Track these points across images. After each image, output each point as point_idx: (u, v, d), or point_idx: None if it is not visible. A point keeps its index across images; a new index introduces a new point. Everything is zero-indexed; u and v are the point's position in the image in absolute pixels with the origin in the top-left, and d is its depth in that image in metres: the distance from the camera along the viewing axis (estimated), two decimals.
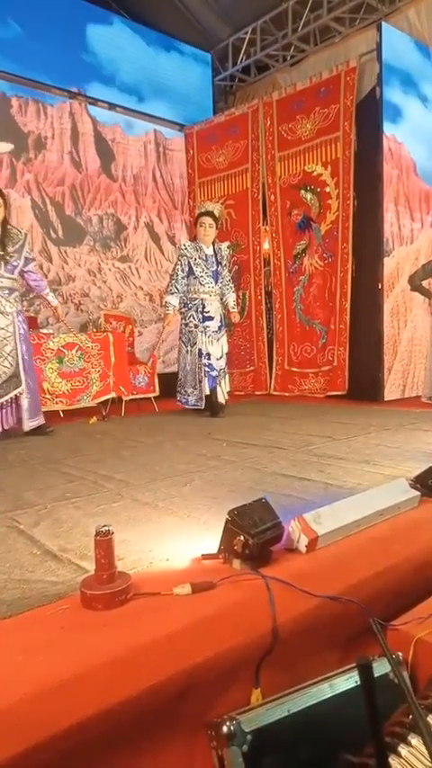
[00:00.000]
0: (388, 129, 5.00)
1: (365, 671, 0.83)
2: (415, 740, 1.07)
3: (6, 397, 3.65)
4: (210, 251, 4.58)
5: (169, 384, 5.11)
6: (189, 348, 4.58)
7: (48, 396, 4.19)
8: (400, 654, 1.28)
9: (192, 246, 4.56)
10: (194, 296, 4.53)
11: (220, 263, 4.63)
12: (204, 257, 4.54)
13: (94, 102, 6.03)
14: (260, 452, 3.00)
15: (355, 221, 5.25)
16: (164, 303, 4.74)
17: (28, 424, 3.73)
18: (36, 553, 1.65)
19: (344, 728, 1.12)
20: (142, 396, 5.04)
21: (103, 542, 1.29)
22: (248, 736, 1.07)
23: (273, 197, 5.90)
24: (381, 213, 5.03)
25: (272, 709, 1.13)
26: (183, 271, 4.51)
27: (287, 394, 5.81)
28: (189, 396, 4.61)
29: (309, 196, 5.60)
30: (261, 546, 1.44)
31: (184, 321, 4.63)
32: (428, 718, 1.09)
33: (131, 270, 6.39)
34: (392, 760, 1.04)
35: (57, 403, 4.28)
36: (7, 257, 3.62)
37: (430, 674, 1.26)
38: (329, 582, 1.41)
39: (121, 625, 1.20)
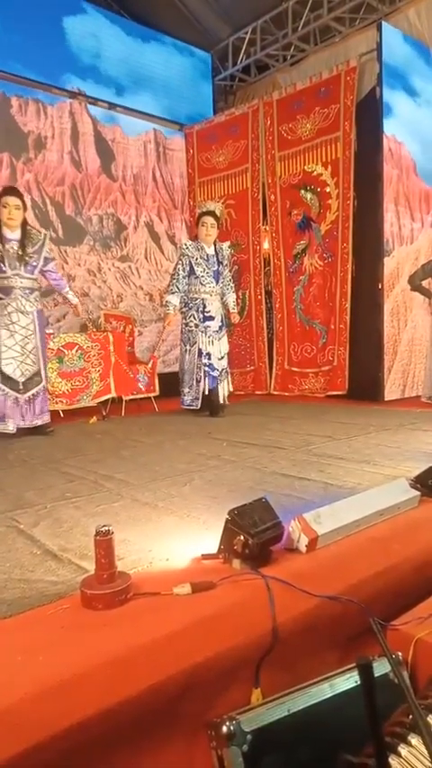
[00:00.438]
0: (388, 128, 5.00)
1: (365, 671, 0.83)
2: (415, 740, 1.07)
3: (29, 393, 3.73)
4: (211, 251, 4.58)
5: (169, 384, 5.12)
6: (189, 348, 4.57)
7: (48, 395, 4.19)
8: (399, 654, 1.28)
9: (193, 246, 4.56)
10: (195, 296, 4.53)
11: (222, 262, 4.63)
12: (206, 257, 4.54)
13: (94, 101, 6.03)
14: (260, 452, 3.00)
15: (356, 221, 5.24)
16: (164, 302, 4.74)
17: (39, 420, 3.81)
18: (36, 553, 1.65)
19: (344, 728, 1.12)
20: (142, 396, 5.04)
21: (103, 542, 1.29)
22: (248, 736, 1.07)
23: (273, 197, 5.90)
24: (381, 213, 5.03)
25: (272, 709, 1.13)
26: (184, 270, 4.51)
27: (287, 394, 5.81)
28: (185, 395, 4.61)
29: (309, 196, 5.60)
30: (261, 546, 1.44)
31: (184, 321, 4.63)
32: (428, 718, 1.09)
33: (131, 269, 6.38)
34: (392, 760, 1.04)
35: (57, 403, 4.28)
36: (27, 258, 3.72)
37: (430, 673, 1.26)
38: (329, 582, 1.41)
39: (121, 625, 1.20)
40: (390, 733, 1.09)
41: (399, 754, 1.06)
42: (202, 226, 4.54)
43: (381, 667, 1.21)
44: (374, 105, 4.99)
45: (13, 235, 3.72)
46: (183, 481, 2.42)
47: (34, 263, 3.76)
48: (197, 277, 4.50)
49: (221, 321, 4.64)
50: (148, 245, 6.49)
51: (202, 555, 1.53)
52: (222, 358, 4.63)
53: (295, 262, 5.79)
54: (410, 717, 1.08)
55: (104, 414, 4.53)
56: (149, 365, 5.18)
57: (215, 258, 4.59)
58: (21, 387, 3.71)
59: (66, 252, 5.87)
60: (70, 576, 1.46)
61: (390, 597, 1.50)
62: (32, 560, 1.60)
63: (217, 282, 4.57)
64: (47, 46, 5.59)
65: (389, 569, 1.54)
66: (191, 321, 4.56)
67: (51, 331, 4.64)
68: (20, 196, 3.76)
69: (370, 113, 5.05)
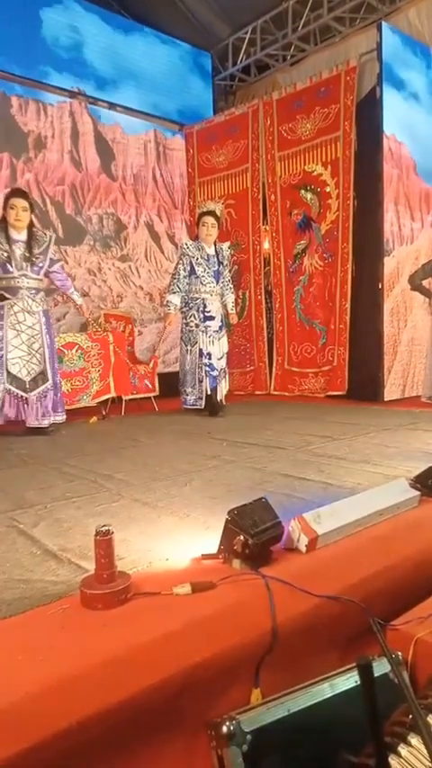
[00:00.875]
0: (388, 128, 5.00)
1: (365, 671, 0.83)
2: (415, 740, 1.07)
3: (36, 392, 3.74)
4: (211, 251, 4.58)
5: (169, 384, 5.12)
6: (189, 348, 4.58)
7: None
8: (399, 653, 1.28)
9: (194, 246, 4.56)
10: (196, 295, 4.53)
11: (222, 263, 4.63)
12: (206, 257, 4.54)
13: (95, 101, 6.03)
14: (260, 452, 3.00)
15: (356, 221, 5.24)
16: (165, 302, 4.74)
17: (56, 418, 3.85)
18: (36, 553, 1.65)
19: (344, 728, 1.12)
20: (142, 395, 5.04)
21: (103, 542, 1.29)
22: (248, 736, 1.07)
23: (273, 197, 5.90)
24: (381, 213, 5.03)
25: (272, 709, 1.13)
26: (185, 270, 4.51)
27: (287, 394, 5.81)
28: (188, 395, 4.62)
29: (309, 196, 5.60)
30: (261, 546, 1.44)
31: (184, 321, 4.63)
32: (428, 718, 1.09)
33: (131, 269, 6.38)
34: (392, 760, 1.04)
35: None
36: (33, 259, 3.76)
37: (430, 673, 1.26)
38: (329, 582, 1.41)
39: (121, 625, 1.20)
40: (390, 733, 1.09)
41: (399, 754, 1.06)
42: (203, 226, 4.54)
43: (381, 667, 1.21)
44: (374, 105, 4.99)
45: (20, 236, 3.75)
46: (183, 481, 2.42)
47: (40, 264, 3.80)
48: (198, 277, 4.50)
49: (221, 321, 4.64)
50: (148, 245, 6.49)
51: (202, 555, 1.53)
52: (222, 358, 4.63)
53: (295, 262, 5.79)
54: (410, 716, 1.08)
55: (104, 413, 4.53)
56: (150, 365, 5.18)
57: (215, 258, 4.59)
58: (27, 386, 3.73)
59: (66, 251, 5.87)
60: (70, 576, 1.46)
61: (389, 597, 1.50)
62: (32, 560, 1.60)
63: (217, 282, 4.57)
64: (39, 40, 5.59)
65: (389, 569, 1.54)
66: (191, 321, 4.56)
67: None
68: (27, 198, 3.81)
69: (370, 113, 5.05)
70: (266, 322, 6.17)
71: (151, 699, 1.06)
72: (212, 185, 6.42)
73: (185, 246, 4.59)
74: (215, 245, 4.61)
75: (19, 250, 3.72)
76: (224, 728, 1.06)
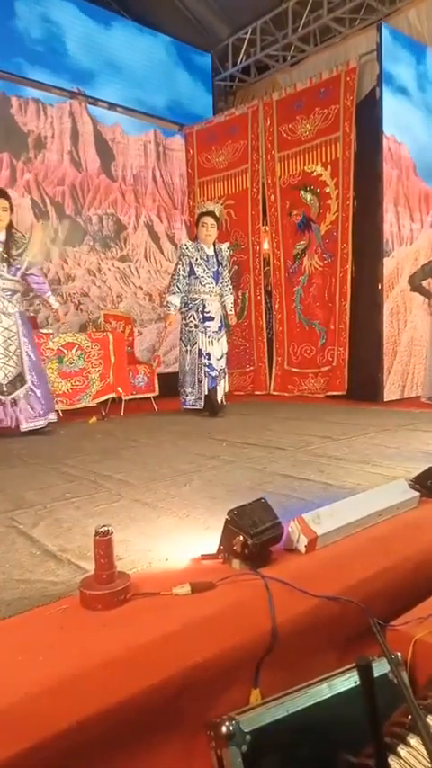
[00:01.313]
0: (388, 129, 5.00)
1: (365, 671, 0.83)
2: (414, 740, 1.07)
3: (12, 396, 3.70)
4: (211, 251, 4.58)
5: (169, 384, 5.12)
6: (189, 348, 4.58)
7: (50, 396, 4.19)
8: (399, 654, 1.28)
9: (193, 246, 4.56)
10: (195, 296, 4.53)
11: (221, 263, 4.63)
12: (206, 257, 4.55)
13: (94, 101, 6.03)
14: (260, 452, 3.00)
15: (355, 222, 5.25)
16: (165, 303, 4.75)
17: (43, 419, 3.81)
18: (36, 553, 1.65)
19: (343, 729, 1.12)
20: (142, 396, 5.05)
21: (103, 542, 1.29)
22: (247, 737, 1.07)
23: (272, 197, 5.91)
24: (381, 214, 5.03)
25: (271, 710, 1.13)
26: (184, 270, 4.51)
27: (287, 394, 5.82)
28: (188, 395, 4.62)
29: (308, 196, 5.60)
30: (260, 546, 1.44)
31: (184, 321, 4.63)
32: (428, 719, 1.09)
33: (131, 269, 6.39)
34: (392, 760, 1.04)
35: (57, 403, 4.28)
36: (11, 260, 3.70)
37: (429, 674, 1.26)
38: (329, 582, 1.41)
39: (121, 625, 1.20)
40: (389, 733, 1.09)
41: (398, 755, 1.06)
42: (202, 226, 4.54)
43: (380, 667, 1.21)
44: (374, 106, 5.00)
45: None
46: (182, 481, 2.42)
47: (18, 266, 3.73)
48: (197, 277, 4.51)
49: (221, 321, 4.64)
50: (147, 246, 6.49)
51: (202, 555, 1.53)
52: (221, 358, 4.63)
53: (295, 262, 5.79)
54: (410, 717, 1.08)
55: (104, 414, 4.53)
56: (155, 365, 5.19)
57: (215, 259, 4.59)
58: (4, 389, 3.69)
59: (66, 252, 5.87)
60: (70, 577, 1.46)
61: (389, 597, 1.50)
62: (32, 560, 1.59)
63: (217, 283, 4.57)
64: (53, 46, 5.59)
65: (388, 570, 1.54)
66: (191, 321, 4.56)
67: (51, 331, 4.64)
68: (8, 198, 3.73)
69: (370, 114, 5.05)
70: (266, 322, 6.17)
71: (151, 699, 1.06)
72: (212, 186, 6.42)
73: (185, 247, 4.59)
74: (214, 246, 4.61)
75: None
76: (223, 729, 1.06)
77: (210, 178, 6.44)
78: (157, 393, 5.14)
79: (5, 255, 3.67)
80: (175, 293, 4.52)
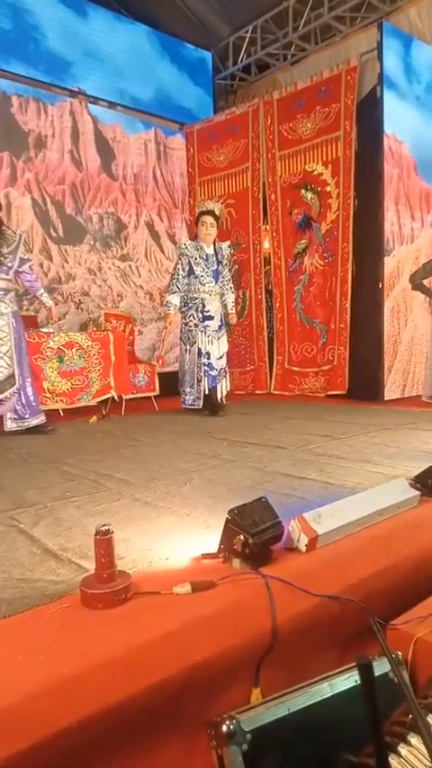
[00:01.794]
0: (388, 127, 4.99)
1: (365, 670, 0.83)
2: (415, 740, 1.06)
3: (3, 395, 3.69)
4: (210, 250, 4.58)
5: (169, 383, 5.12)
6: (188, 347, 4.57)
7: (48, 395, 4.19)
8: (399, 653, 1.28)
9: (192, 246, 4.56)
10: (195, 295, 4.52)
11: (221, 262, 4.63)
12: (205, 257, 4.54)
13: (95, 100, 6.02)
14: (260, 451, 3.00)
15: (356, 221, 5.24)
16: (165, 302, 4.74)
17: (31, 422, 3.79)
18: (36, 552, 1.65)
19: (344, 728, 1.12)
20: (142, 395, 5.05)
21: (103, 541, 1.29)
22: (248, 736, 1.07)
23: (273, 196, 5.90)
24: (381, 212, 5.02)
25: (271, 709, 1.13)
26: (183, 270, 4.50)
27: (287, 393, 5.81)
28: (187, 395, 4.62)
29: (309, 195, 5.60)
30: (261, 545, 1.44)
31: (184, 320, 4.63)
32: (428, 718, 1.09)
33: (132, 269, 6.38)
34: (392, 759, 1.04)
35: (57, 402, 4.28)
36: (2, 258, 3.65)
37: (430, 673, 1.26)
38: (329, 581, 1.41)
39: (121, 624, 1.20)
40: (390, 732, 1.09)
41: (399, 754, 1.06)
42: (202, 225, 4.53)
43: (381, 667, 1.20)
44: (375, 104, 4.99)
45: None
46: (183, 480, 2.42)
47: (9, 264, 3.69)
48: (196, 277, 4.50)
49: (221, 321, 4.63)
50: (148, 245, 6.49)
51: (202, 554, 1.53)
52: (221, 357, 4.63)
53: (296, 261, 5.79)
54: (410, 716, 1.08)
55: (104, 413, 4.53)
56: (158, 365, 5.19)
57: (214, 258, 4.58)
58: None
59: (66, 251, 5.87)
60: (70, 576, 1.46)
61: (390, 596, 1.50)
62: (32, 560, 1.60)
63: (216, 282, 4.57)
64: (45, 44, 5.59)
65: (389, 569, 1.54)
66: (190, 321, 4.56)
67: (51, 330, 4.63)
68: None
69: (370, 112, 5.04)
70: (267, 321, 6.17)
71: (151, 698, 1.06)
72: (213, 184, 6.42)
73: (184, 246, 4.59)
74: (214, 245, 4.60)
75: None
76: (224, 728, 1.06)
77: (210, 177, 6.43)
78: (157, 392, 5.14)
79: None
80: (174, 293, 4.52)
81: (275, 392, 5.94)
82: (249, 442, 3.28)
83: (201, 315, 4.52)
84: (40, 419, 3.84)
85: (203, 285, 4.51)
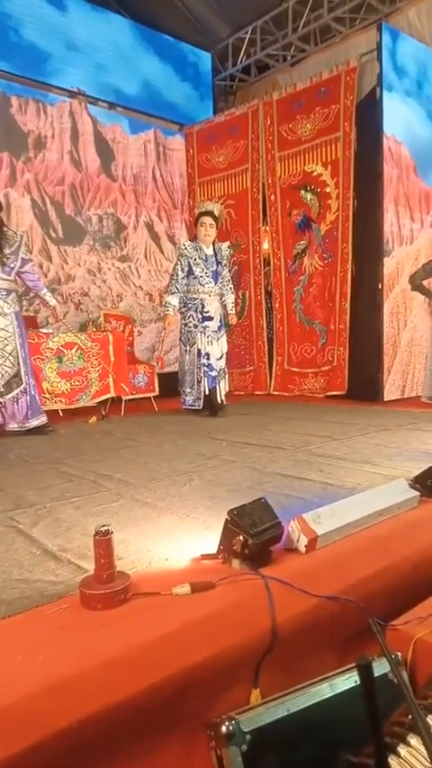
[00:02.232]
0: (388, 128, 5.00)
1: (365, 671, 0.83)
2: (414, 740, 1.06)
3: (9, 396, 3.70)
4: (210, 251, 4.58)
5: (169, 384, 5.12)
6: (188, 348, 4.57)
7: (47, 395, 4.19)
8: (399, 654, 1.28)
9: (191, 246, 4.55)
10: (194, 296, 4.52)
11: (220, 263, 4.63)
12: (204, 257, 4.54)
13: (95, 101, 6.03)
14: (260, 452, 3.00)
15: (355, 221, 5.25)
16: (164, 303, 4.74)
17: (32, 423, 3.79)
18: (35, 553, 1.65)
19: (343, 728, 1.12)
20: (142, 395, 5.04)
21: (103, 542, 1.29)
22: (247, 736, 1.07)
23: (273, 197, 5.90)
24: (381, 213, 5.03)
25: (271, 709, 1.13)
26: (183, 270, 4.50)
27: (287, 394, 5.81)
28: (187, 395, 4.61)
29: (309, 196, 5.60)
30: (260, 546, 1.44)
31: (183, 321, 4.63)
32: (428, 719, 1.09)
33: (131, 269, 6.39)
34: (392, 760, 1.04)
35: (56, 402, 4.28)
36: (4, 259, 3.66)
37: (429, 673, 1.26)
38: (329, 582, 1.41)
39: (121, 625, 1.20)
40: (389, 733, 1.09)
41: (398, 755, 1.06)
42: (201, 226, 4.53)
43: (380, 667, 1.20)
44: (374, 105, 5.00)
45: None
46: (182, 481, 2.42)
47: (11, 265, 3.70)
48: (196, 277, 4.50)
49: (220, 321, 4.63)
50: (147, 245, 6.49)
51: (202, 555, 1.53)
52: (221, 358, 4.63)
53: (295, 262, 5.79)
54: (410, 717, 1.08)
55: (104, 413, 4.53)
56: (158, 367, 5.18)
57: (214, 258, 4.58)
58: (1, 389, 3.67)
59: (65, 252, 5.87)
60: (70, 576, 1.46)
61: (389, 597, 1.50)
62: (32, 560, 1.59)
63: (215, 282, 4.57)
64: (44, 50, 5.60)
65: (388, 569, 1.54)
66: (190, 321, 4.55)
67: (51, 330, 4.63)
68: None
69: (370, 113, 5.05)
70: (266, 322, 6.17)
71: (151, 699, 1.06)
72: (212, 185, 6.42)
73: (183, 247, 4.59)
74: (214, 245, 4.60)
75: None
76: (223, 728, 1.06)
77: (210, 178, 6.44)
78: (156, 393, 5.14)
79: None
80: (173, 294, 4.52)
81: (275, 393, 5.94)
82: (249, 442, 3.28)
83: (200, 315, 4.52)
84: (42, 420, 3.84)
85: (203, 286, 4.52)
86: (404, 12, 5.52)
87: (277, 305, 5.97)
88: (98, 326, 5.39)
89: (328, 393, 5.46)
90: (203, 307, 4.53)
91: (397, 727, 1.10)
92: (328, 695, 1.19)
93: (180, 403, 4.69)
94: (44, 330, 4.66)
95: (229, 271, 4.90)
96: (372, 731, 0.86)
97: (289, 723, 1.13)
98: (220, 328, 4.62)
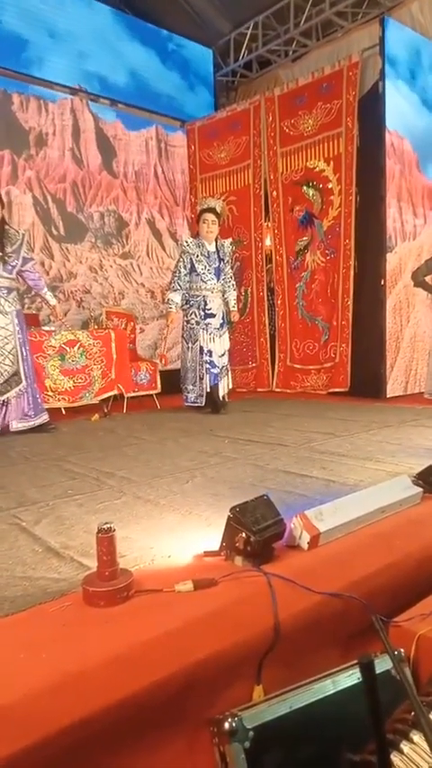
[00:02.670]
0: (390, 124, 4.97)
1: (367, 668, 0.83)
2: (417, 737, 1.07)
3: (8, 395, 3.69)
4: (212, 248, 4.57)
5: (171, 381, 5.12)
6: (190, 345, 4.57)
7: (50, 393, 4.20)
8: (402, 650, 1.28)
9: (194, 243, 4.55)
10: (196, 293, 4.52)
11: (223, 259, 4.62)
12: (206, 254, 4.53)
13: (96, 98, 6.01)
14: (262, 449, 3.00)
15: (358, 217, 5.23)
16: (166, 300, 4.74)
17: (33, 421, 3.78)
18: (38, 550, 1.65)
19: (346, 725, 1.12)
20: (144, 393, 5.05)
21: (105, 539, 1.29)
22: (250, 733, 1.07)
23: (275, 193, 5.89)
24: (383, 209, 5.00)
25: (274, 706, 1.13)
26: (185, 268, 4.50)
27: (289, 390, 5.81)
28: (189, 393, 4.61)
29: (311, 192, 5.58)
30: (263, 543, 1.44)
31: (185, 318, 4.62)
32: (430, 715, 1.09)
33: (133, 266, 6.38)
34: (394, 757, 1.04)
35: (59, 400, 4.28)
36: (6, 258, 3.66)
37: None
38: (331, 579, 1.41)
39: (123, 622, 1.20)
40: (392, 730, 1.09)
41: (401, 751, 1.06)
42: (203, 223, 4.52)
43: (383, 664, 1.20)
44: (377, 100, 4.97)
45: None
46: (185, 478, 2.42)
47: (13, 263, 3.69)
48: (198, 274, 4.49)
49: (223, 318, 4.62)
50: (149, 242, 6.49)
51: (204, 552, 1.53)
52: (223, 355, 4.62)
53: (297, 258, 5.78)
54: (412, 713, 1.08)
55: (106, 411, 4.53)
56: (162, 364, 5.18)
57: (216, 255, 4.57)
58: (0, 388, 3.67)
59: (67, 249, 5.87)
60: (72, 574, 1.46)
61: (392, 594, 1.50)
62: (34, 558, 1.60)
63: (218, 279, 4.56)
64: (57, 49, 5.58)
65: (391, 566, 1.54)
66: (192, 318, 4.55)
67: (53, 328, 4.64)
68: None
69: (372, 109, 5.02)
70: (268, 319, 6.16)
71: (153, 696, 1.06)
72: (214, 182, 6.40)
73: (185, 244, 4.58)
74: (216, 242, 4.59)
75: None
76: (226, 725, 1.06)
77: (212, 174, 6.42)
78: (159, 390, 5.14)
79: (0, 254, 3.63)
80: (175, 291, 4.51)
81: (277, 390, 5.93)
82: (251, 439, 3.28)
83: (202, 312, 4.51)
84: (44, 418, 3.84)
85: (205, 283, 4.51)
86: (407, 6, 5.49)
87: (279, 301, 5.96)
88: (100, 324, 5.39)
89: (331, 390, 5.45)
90: (206, 304, 4.52)
91: (399, 724, 1.10)
92: (331, 692, 1.19)
93: (182, 400, 4.69)
94: (46, 328, 4.66)
95: (232, 267, 4.89)
96: (374, 728, 0.86)
97: (291, 720, 1.13)
98: (222, 325, 4.62)
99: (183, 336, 4.67)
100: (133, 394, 4.86)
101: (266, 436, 3.37)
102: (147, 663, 1.08)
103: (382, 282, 5.07)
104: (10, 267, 3.69)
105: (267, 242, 6.10)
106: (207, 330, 4.51)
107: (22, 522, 1.92)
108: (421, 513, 1.87)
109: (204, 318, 4.51)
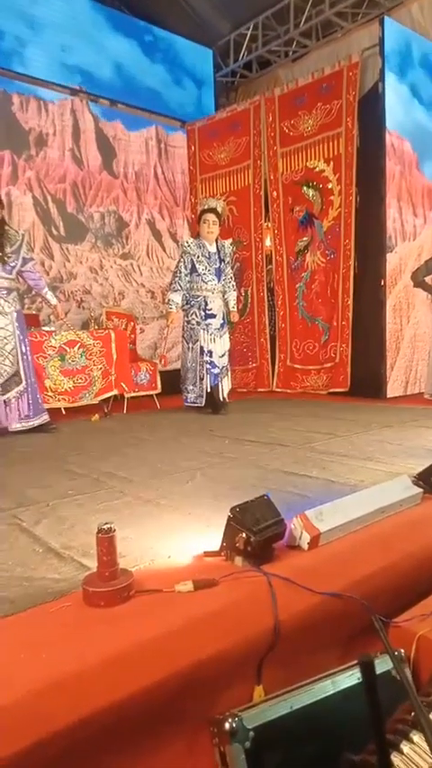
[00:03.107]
0: (390, 124, 4.97)
1: (367, 668, 0.83)
2: (417, 737, 1.07)
3: (8, 395, 3.69)
4: (213, 248, 4.57)
5: (171, 381, 5.12)
6: (191, 345, 4.57)
7: (50, 393, 4.20)
8: (402, 651, 1.28)
9: (195, 243, 4.55)
10: (197, 293, 4.52)
11: (223, 260, 4.62)
12: (207, 255, 4.53)
13: (96, 98, 6.01)
14: (262, 449, 3.00)
15: (358, 217, 5.23)
16: (167, 300, 4.74)
17: (33, 422, 3.79)
18: (38, 550, 1.65)
19: (346, 725, 1.13)
20: (144, 393, 5.05)
21: (105, 539, 1.29)
22: (250, 733, 1.07)
23: (275, 193, 5.89)
24: (383, 209, 5.01)
25: (274, 706, 1.14)
26: (186, 268, 4.50)
27: (289, 391, 5.81)
28: (189, 393, 4.61)
29: (311, 192, 5.58)
30: (263, 543, 1.44)
31: (186, 318, 4.62)
32: (430, 715, 1.09)
33: (133, 267, 6.38)
34: (394, 757, 1.04)
35: (59, 400, 4.28)
36: (5, 258, 3.66)
37: None
38: (332, 579, 1.41)
39: (123, 622, 1.20)
40: (392, 730, 1.09)
41: (401, 751, 1.06)
42: (204, 223, 4.52)
43: (383, 664, 1.21)
44: (377, 101, 4.97)
45: None
46: (185, 478, 2.43)
47: (12, 264, 3.69)
48: (199, 275, 4.49)
49: (223, 318, 4.63)
50: (149, 243, 6.49)
51: (205, 552, 1.53)
52: (223, 355, 4.62)
53: (297, 258, 5.78)
54: (412, 714, 1.08)
55: (106, 411, 4.53)
56: (161, 364, 5.18)
57: (217, 255, 4.58)
58: (0, 388, 3.68)
59: (67, 249, 5.87)
60: (72, 574, 1.46)
61: (392, 594, 1.50)
62: (35, 558, 1.60)
63: (219, 280, 4.56)
64: (56, 45, 5.59)
65: (391, 566, 1.54)
66: (192, 319, 4.55)
67: (53, 329, 4.64)
68: None
69: (372, 109, 5.03)
70: (269, 319, 6.16)
71: (154, 696, 1.06)
72: (214, 182, 6.40)
73: (186, 244, 4.58)
74: (217, 243, 4.59)
75: None
76: (227, 725, 1.07)
77: (212, 174, 6.42)
78: (159, 390, 5.14)
79: (0, 254, 3.63)
80: (176, 291, 4.51)
81: (277, 390, 5.94)
82: (251, 439, 3.28)
83: (203, 313, 4.52)
84: (44, 418, 3.85)
85: (206, 283, 4.51)
86: (406, 6, 5.49)
87: (279, 302, 5.96)
88: (100, 324, 5.39)
89: (331, 390, 5.46)
90: (206, 304, 4.52)
91: (400, 724, 1.10)
92: (331, 692, 1.19)
93: (182, 400, 4.69)
94: (46, 328, 4.66)
95: (232, 268, 4.89)
96: (374, 728, 0.86)
97: (292, 720, 1.13)
98: (222, 326, 4.62)
99: (183, 337, 4.67)
100: (133, 394, 4.86)
101: (266, 436, 3.37)
102: (147, 663, 1.08)
103: (382, 283, 5.07)
104: (9, 267, 3.69)
105: (267, 242, 6.10)
106: (207, 330, 4.51)
107: (23, 522, 1.92)
108: (421, 513, 1.87)
109: (205, 319, 4.52)
